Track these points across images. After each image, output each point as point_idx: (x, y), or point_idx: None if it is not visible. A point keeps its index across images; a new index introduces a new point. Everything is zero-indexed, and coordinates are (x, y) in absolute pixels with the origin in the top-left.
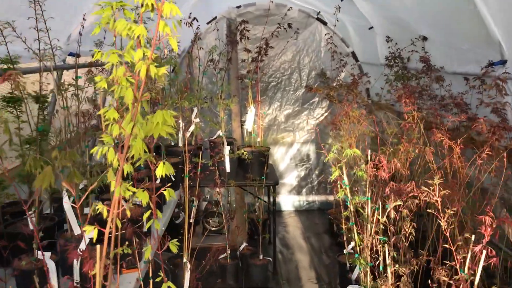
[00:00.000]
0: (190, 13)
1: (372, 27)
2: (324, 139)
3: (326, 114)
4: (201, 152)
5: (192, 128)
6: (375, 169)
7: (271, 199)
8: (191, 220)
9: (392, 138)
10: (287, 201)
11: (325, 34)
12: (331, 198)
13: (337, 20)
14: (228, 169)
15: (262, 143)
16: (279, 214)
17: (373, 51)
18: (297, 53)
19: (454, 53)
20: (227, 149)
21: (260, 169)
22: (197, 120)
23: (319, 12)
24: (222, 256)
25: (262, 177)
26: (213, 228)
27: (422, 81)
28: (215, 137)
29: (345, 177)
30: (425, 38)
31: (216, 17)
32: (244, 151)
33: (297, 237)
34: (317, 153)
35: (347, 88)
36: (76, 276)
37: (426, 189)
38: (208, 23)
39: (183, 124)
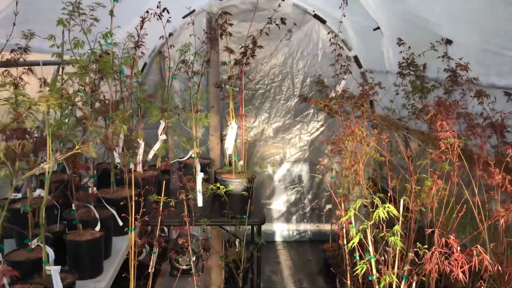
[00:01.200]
0: (159, 2)
1: (378, 28)
2: (318, 158)
3: (322, 128)
4: (166, 181)
5: (156, 147)
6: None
7: (257, 237)
8: (151, 269)
9: (410, 167)
10: (275, 230)
11: (328, 33)
12: (325, 227)
13: (344, 15)
14: (200, 203)
15: (246, 168)
16: (264, 246)
17: (378, 57)
18: (289, 56)
19: (492, 61)
20: (199, 180)
21: (242, 204)
22: (164, 137)
23: (314, 11)
24: None
25: (244, 216)
26: (184, 267)
27: (453, 95)
28: (186, 157)
29: (370, 247)
30: (449, 41)
31: (194, 11)
32: (222, 185)
33: (285, 280)
34: (310, 175)
35: (354, 101)
36: None
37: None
38: (184, 17)
39: (142, 143)
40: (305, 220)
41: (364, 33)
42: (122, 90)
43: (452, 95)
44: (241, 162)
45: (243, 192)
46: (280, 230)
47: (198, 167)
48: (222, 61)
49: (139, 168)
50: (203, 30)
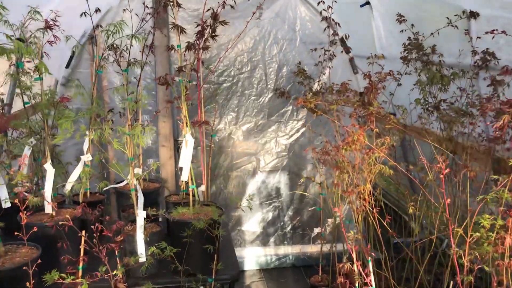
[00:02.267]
0: None
1: (366, 3)
2: (300, 166)
3: (303, 129)
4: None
5: (75, 174)
6: None
7: None
8: None
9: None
10: (248, 256)
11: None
12: (310, 249)
13: None
14: (142, 255)
15: (209, 195)
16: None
17: (365, 39)
18: (260, 40)
19: None
20: (140, 222)
21: (205, 255)
22: (88, 157)
23: None
24: None
25: (210, 280)
26: None
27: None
28: (124, 183)
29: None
30: (473, 15)
31: None
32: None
33: None
34: (290, 186)
35: (357, 99)
36: None
37: None
38: None
39: (51, 169)
40: (285, 242)
41: (348, 10)
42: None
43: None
44: (203, 188)
45: (205, 245)
46: (255, 256)
47: (140, 201)
48: (173, 45)
49: (49, 207)
50: (143, 4)
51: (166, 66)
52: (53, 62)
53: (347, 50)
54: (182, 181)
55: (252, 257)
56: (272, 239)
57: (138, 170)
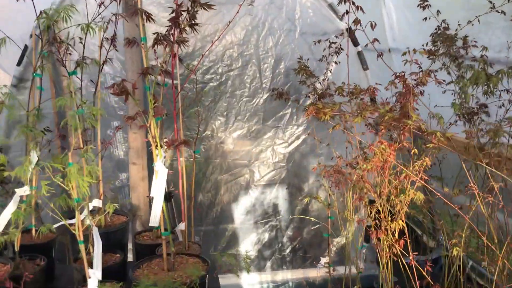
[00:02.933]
0: None
1: None
2: (301, 178)
3: (304, 136)
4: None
5: (7, 213)
6: None
7: None
8: None
9: None
10: (241, 284)
11: None
12: (313, 274)
13: None
14: None
15: (191, 235)
16: None
17: (376, 30)
18: (253, 30)
19: None
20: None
21: None
22: (23, 191)
23: None
24: None
25: None
26: None
27: None
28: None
29: None
30: None
31: None
32: None
33: None
34: (290, 201)
35: (388, 108)
36: None
37: None
38: None
39: None
40: (284, 267)
41: None
42: None
43: None
44: (182, 226)
45: None
46: (249, 283)
47: (97, 254)
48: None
49: None
50: None
51: (138, 64)
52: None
53: (355, 42)
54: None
55: (245, 286)
56: (268, 264)
57: (97, 202)
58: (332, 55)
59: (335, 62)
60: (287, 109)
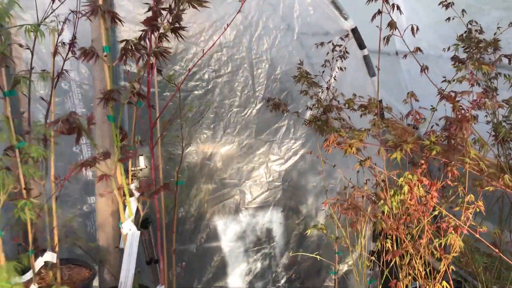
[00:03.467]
0: None
1: None
2: (299, 199)
3: (302, 151)
4: None
5: None
6: None
7: None
8: None
9: None
10: None
11: None
12: None
13: None
14: None
15: None
16: None
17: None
18: (245, 30)
19: None
20: None
21: None
22: None
23: None
24: None
25: None
26: None
27: None
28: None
29: None
30: None
31: None
32: None
33: None
34: (285, 225)
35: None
36: None
37: None
38: None
39: None
40: None
41: None
42: None
43: None
44: None
45: None
46: None
47: None
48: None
49: None
50: None
51: (107, 79)
52: None
53: (361, 45)
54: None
55: None
56: None
57: (50, 256)
58: (336, 60)
59: (340, 68)
60: (283, 120)
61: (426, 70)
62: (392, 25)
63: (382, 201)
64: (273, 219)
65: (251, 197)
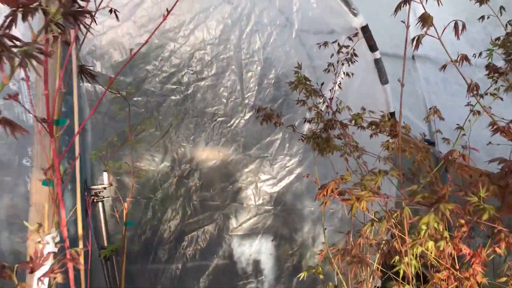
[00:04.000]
0: None
1: None
2: (293, 226)
3: (299, 170)
4: None
5: None
6: None
7: None
8: None
9: None
10: None
11: None
12: None
13: None
14: None
15: None
16: None
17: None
18: (234, 25)
19: None
20: None
21: None
22: None
23: None
24: None
25: None
26: None
27: None
28: None
29: None
30: None
31: None
32: None
33: None
34: (277, 257)
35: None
36: None
37: None
38: None
39: None
40: None
41: None
42: None
43: None
44: None
45: None
46: None
47: None
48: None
49: None
50: None
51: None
52: None
53: (372, 46)
54: None
55: None
56: None
57: None
58: (342, 63)
59: (347, 74)
60: (277, 133)
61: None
62: (426, 19)
63: (397, 257)
64: (262, 249)
65: (237, 222)
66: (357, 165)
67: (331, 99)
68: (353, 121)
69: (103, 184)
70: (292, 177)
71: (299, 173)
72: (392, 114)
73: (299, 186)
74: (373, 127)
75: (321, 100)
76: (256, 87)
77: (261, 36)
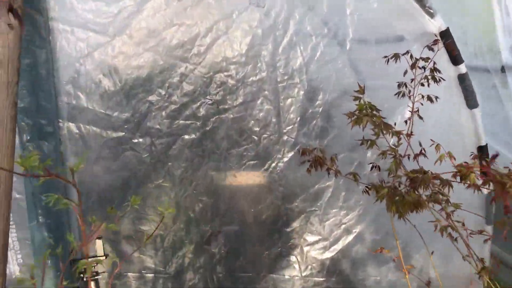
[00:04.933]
0: None
1: None
2: None
3: (358, 228)
4: None
5: None
6: None
7: None
8: None
9: None
10: None
11: None
12: None
13: None
14: None
15: None
16: None
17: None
18: (266, 36)
19: None
20: None
21: None
22: None
23: None
24: None
25: None
26: None
27: None
28: None
29: None
30: None
31: None
32: None
33: None
34: None
35: None
36: None
37: None
38: None
39: None
40: None
41: None
42: None
43: None
44: None
45: None
46: None
47: None
48: None
49: None
50: None
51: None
52: None
53: (455, 57)
54: None
55: None
56: None
57: None
58: (422, 84)
59: (429, 98)
60: (328, 179)
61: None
62: None
63: None
64: None
65: None
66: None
67: (408, 135)
68: (459, 175)
69: (96, 255)
70: (350, 237)
71: (360, 232)
72: (482, 149)
73: (360, 249)
74: (501, 185)
75: (395, 137)
76: (298, 119)
77: (303, 50)
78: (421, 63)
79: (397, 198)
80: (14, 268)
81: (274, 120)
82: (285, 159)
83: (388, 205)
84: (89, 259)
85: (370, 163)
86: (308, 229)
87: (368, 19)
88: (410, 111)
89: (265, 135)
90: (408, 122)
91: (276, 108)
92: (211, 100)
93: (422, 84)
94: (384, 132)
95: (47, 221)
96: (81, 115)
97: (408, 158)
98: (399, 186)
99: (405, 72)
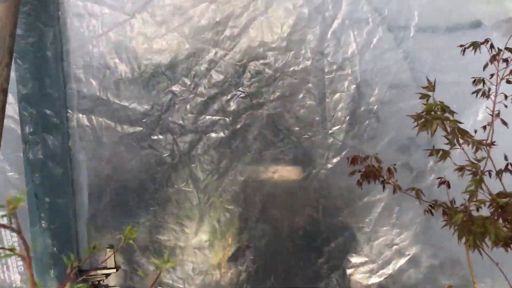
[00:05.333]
0: None
1: None
2: None
3: (414, 249)
4: None
5: None
6: None
7: None
8: None
9: None
10: None
11: None
12: None
13: None
14: None
15: None
16: None
17: None
18: (312, 21)
19: None
20: None
21: None
22: None
23: None
24: None
25: None
26: None
27: None
28: None
29: None
30: None
31: None
32: None
33: None
34: None
35: None
36: None
37: None
38: None
39: None
40: None
41: None
42: None
43: None
44: None
45: None
46: None
47: None
48: None
49: None
50: None
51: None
52: None
53: None
54: None
55: None
56: None
57: None
58: (509, 80)
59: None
60: (379, 190)
61: None
62: None
63: None
64: None
65: None
66: None
67: (489, 144)
68: None
69: (106, 267)
70: (402, 261)
71: (415, 255)
72: None
73: (414, 274)
74: None
75: (473, 146)
76: (347, 118)
77: (356, 36)
78: (505, 54)
79: (479, 230)
80: (15, 276)
81: (317, 118)
82: (329, 166)
83: (461, 234)
84: (98, 271)
85: (438, 178)
86: (353, 249)
87: (436, 2)
88: (490, 114)
89: (306, 136)
90: (488, 128)
91: (321, 104)
92: (244, 92)
93: (509, 81)
94: (461, 141)
95: (51, 226)
96: (93, 105)
97: (490, 175)
98: (478, 211)
99: (485, 66)
